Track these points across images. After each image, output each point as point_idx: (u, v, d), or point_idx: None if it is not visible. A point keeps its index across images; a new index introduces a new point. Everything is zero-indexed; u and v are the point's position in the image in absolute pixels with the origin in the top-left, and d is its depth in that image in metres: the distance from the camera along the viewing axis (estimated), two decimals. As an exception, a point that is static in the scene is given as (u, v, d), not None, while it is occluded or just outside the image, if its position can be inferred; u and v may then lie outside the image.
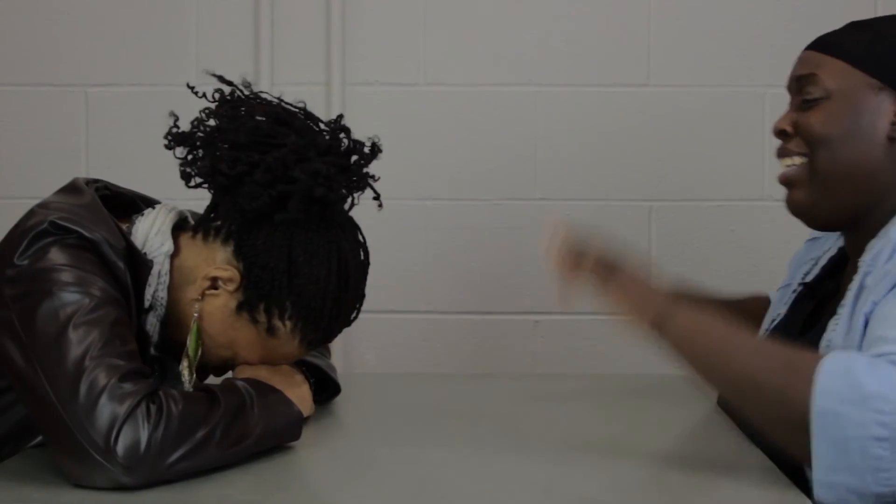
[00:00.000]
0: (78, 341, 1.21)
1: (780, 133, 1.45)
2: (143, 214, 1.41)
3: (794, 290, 1.56)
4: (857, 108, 1.38)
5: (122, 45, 2.28)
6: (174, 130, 1.40)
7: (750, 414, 1.27)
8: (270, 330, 1.38)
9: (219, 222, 1.39)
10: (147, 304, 1.37)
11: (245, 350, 1.41)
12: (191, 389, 1.37)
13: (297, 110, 1.41)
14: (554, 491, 1.23)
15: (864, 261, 1.34)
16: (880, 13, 1.52)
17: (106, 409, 1.18)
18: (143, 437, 1.18)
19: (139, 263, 1.35)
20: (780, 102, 1.50)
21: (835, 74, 1.40)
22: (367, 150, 1.41)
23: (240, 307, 1.37)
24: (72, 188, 1.39)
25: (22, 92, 2.29)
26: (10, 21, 2.29)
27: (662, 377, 1.88)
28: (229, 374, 1.45)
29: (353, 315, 1.44)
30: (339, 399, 1.62)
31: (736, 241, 2.27)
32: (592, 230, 1.45)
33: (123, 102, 2.28)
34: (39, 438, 1.33)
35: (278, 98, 1.42)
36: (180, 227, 1.42)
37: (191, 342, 1.38)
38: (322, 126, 1.41)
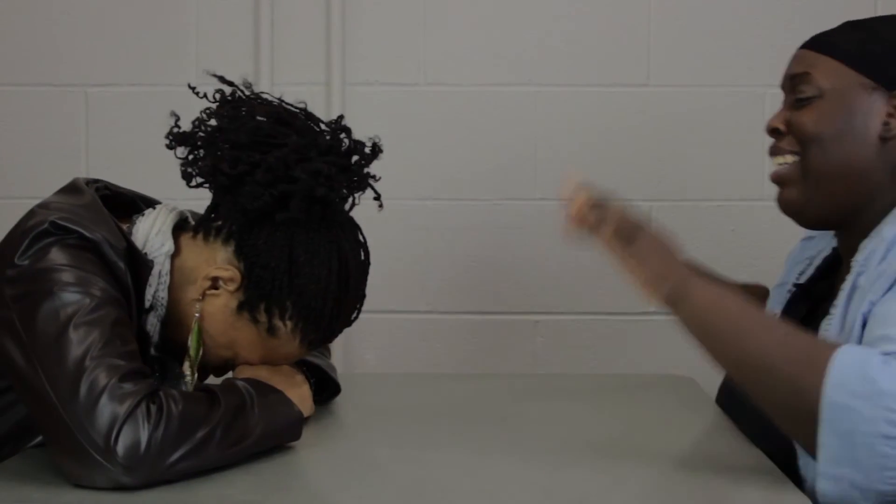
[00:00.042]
0: (78, 341, 1.21)
1: (772, 131, 1.45)
2: (143, 215, 1.41)
3: (789, 291, 1.56)
4: (850, 108, 1.38)
5: (122, 45, 2.28)
6: (175, 130, 1.40)
7: (759, 398, 1.25)
8: (271, 330, 1.38)
9: (219, 222, 1.39)
10: (148, 304, 1.37)
11: (246, 350, 1.41)
12: (191, 389, 1.37)
13: (297, 111, 1.41)
14: (554, 491, 1.23)
15: (857, 261, 1.35)
16: (880, 13, 1.52)
17: (106, 409, 1.18)
18: (144, 437, 1.18)
19: (140, 263, 1.35)
20: (779, 102, 1.50)
21: (828, 73, 1.40)
22: (367, 150, 1.41)
23: (240, 307, 1.37)
24: (72, 188, 1.39)
25: (22, 92, 2.29)
26: (10, 21, 2.29)
27: (662, 377, 1.89)
28: (229, 375, 1.45)
29: (354, 315, 1.44)
30: (339, 399, 1.62)
31: (736, 241, 2.27)
32: (612, 193, 1.41)
33: (123, 102, 2.28)
34: (39, 438, 1.33)
35: (279, 98, 1.42)
36: (181, 227, 1.42)
37: (192, 342, 1.38)
38: (323, 126, 1.41)
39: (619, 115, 2.28)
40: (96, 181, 1.43)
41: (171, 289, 1.38)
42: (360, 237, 1.44)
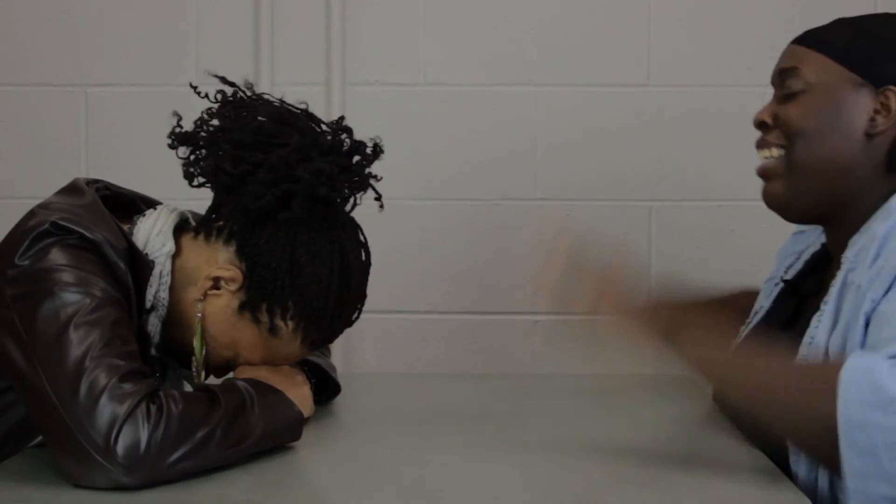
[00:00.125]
0: (78, 341, 1.21)
1: (759, 124, 1.46)
2: (144, 215, 1.41)
3: (776, 284, 1.56)
4: (836, 103, 1.39)
5: (122, 45, 2.28)
6: (177, 130, 1.40)
7: (778, 432, 1.25)
8: (272, 330, 1.38)
9: (221, 222, 1.39)
10: (149, 304, 1.37)
11: (247, 350, 1.41)
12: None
13: (299, 111, 1.41)
14: (554, 491, 1.23)
15: (847, 257, 1.35)
16: (880, 12, 1.52)
17: (106, 410, 1.18)
18: (143, 437, 1.18)
19: (140, 264, 1.35)
20: (779, 102, 1.50)
21: (816, 68, 1.40)
22: (369, 150, 1.41)
23: (242, 307, 1.37)
24: (72, 188, 1.39)
25: (22, 92, 2.29)
26: (10, 21, 2.29)
27: (661, 377, 1.88)
28: (230, 375, 1.45)
29: (355, 315, 1.45)
30: (339, 399, 1.62)
31: (736, 241, 2.27)
32: (591, 235, 1.42)
33: (123, 102, 2.28)
34: (39, 438, 1.33)
35: (280, 99, 1.43)
36: (181, 227, 1.43)
37: (196, 344, 1.38)
38: (324, 127, 1.41)
39: (619, 115, 2.27)
40: (97, 181, 1.43)
41: (172, 289, 1.38)
42: (361, 237, 1.44)
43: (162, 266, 1.38)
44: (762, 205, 1.48)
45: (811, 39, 1.43)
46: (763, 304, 1.57)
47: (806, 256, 1.55)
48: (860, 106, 1.38)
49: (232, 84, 1.42)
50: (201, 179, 1.40)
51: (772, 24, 2.24)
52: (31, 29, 2.28)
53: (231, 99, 1.41)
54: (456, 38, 2.28)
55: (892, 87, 1.37)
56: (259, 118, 1.38)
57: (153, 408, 1.19)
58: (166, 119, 1.41)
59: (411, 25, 2.28)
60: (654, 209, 2.28)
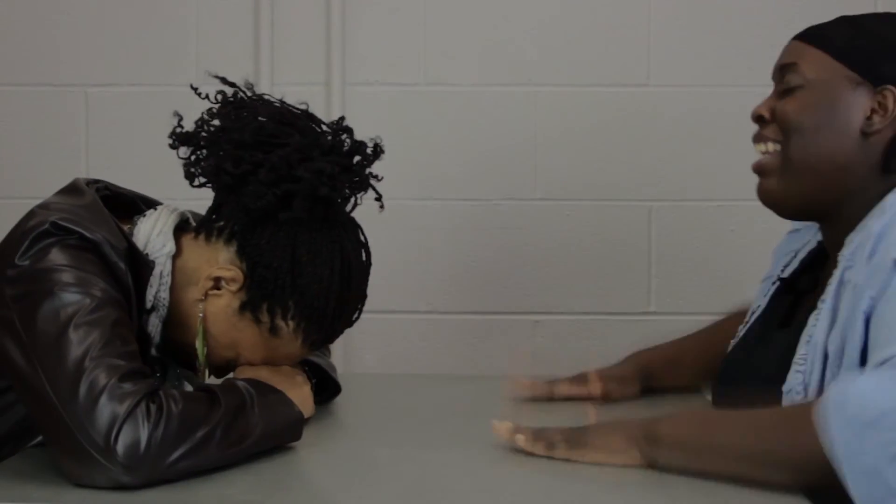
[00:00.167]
0: (78, 341, 1.21)
1: (757, 118, 1.46)
2: (144, 215, 1.41)
3: (773, 283, 1.56)
4: (833, 100, 1.39)
5: (122, 45, 2.28)
6: (178, 130, 1.40)
7: (776, 481, 1.20)
8: (273, 330, 1.38)
9: (222, 223, 1.39)
10: (149, 304, 1.37)
11: (248, 350, 1.41)
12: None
13: (299, 111, 1.41)
14: (554, 491, 1.23)
15: (844, 255, 1.34)
16: (880, 11, 1.52)
17: (106, 409, 1.18)
18: (143, 436, 1.18)
19: (141, 264, 1.35)
20: (779, 102, 1.50)
21: (815, 65, 1.41)
22: (369, 150, 1.41)
23: (243, 307, 1.37)
24: (72, 189, 1.39)
25: (22, 92, 2.30)
26: (10, 21, 2.29)
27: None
28: (230, 375, 1.45)
29: (356, 315, 1.45)
30: (339, 399, 1.62)
31: (736, 241, 2.27)
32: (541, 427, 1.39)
33: (123, 102, 2.28)
34: (40, 438, 1.33)
35: (280, 100, 1.43)
36: (182, 228, 1.43)
37: (199, 345, 1.39)
38: (325, 127, 1.42)
39: (619, 115, 2.28)
40: (97, 181, 1.43)
41: (172, 289, 1.38)
42: (362, 237, 1.44)
43: (162, 266, 1.38)
44: (762, 205, 1.48)
45: (812, 36, 1.43)
46: (759, 302, 1.57)
47: (802, 255, 1.55)
48: (857, 104, 1.38)
49: (232, 84, 1.42)
50: (202, 179, 1.40)
51: (772, 24, 2.24)
52: (31, 29, 2.28)
53: (232, 99, 1.41)
54: (456, 39, 2.28)
55: (890, 87, 1.37)
56: (260, 118, 1.38)
57: (153, 407, 1.19)
58: (166, 119, 1.41)
59: (411, 25, 2.28)
60: (654, 209, 2.28)
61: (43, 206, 1.33)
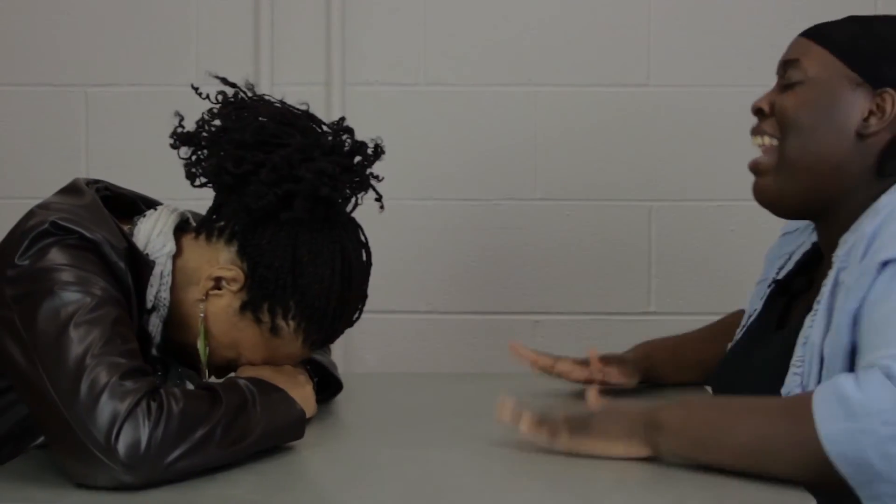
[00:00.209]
0: (79, 340, 1.21)
1: (757, 111, 1.47)
2: (144, 215, 1.41)
3: (769, 286, 1.56)
4: (832, 98, 1.39)
5: (122, 45, 2.28)
6: (179, 130, 1.40)
7: (774, 472, 1.21)
8: (274, 330, 1.38)
9: (222, 223, 1.39)
10: (149, 304, 1.37)
11: (249, 350, 1.41)
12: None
13: (300, 112, 1.41)
14: (555, 491, 1.23)
15: (838, 256, 1.34)
16: (880, 13, 1.52)
17: (107, 407, 1.18)
18: (144, 435, 1.17)
19: (141, 264, 1.35)
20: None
21: (817, 62, 1.41)
22: (370, 150, 1.41)
23: (243, 307, 1.37)
24: (72, 189, 1.39)
25: (22, 92, 2.29)
26: (10, 21, 2.29)
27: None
28: (231, 375, 1.45)
29: (356, 315, 1.45)
30: (339, 399, 1.62)
31: (736, 241, 2.27)
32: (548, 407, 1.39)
33: (123, 102, 2.28)
34: (41, 438, 1.33)
35: (281, 100, 1.43)
36: (182, 228, 1.43)
37: (201, 346, 1.39)
38: (325, 127, 1.42)
39: (619, 115, 2.28)
40: (97, 181, 1.43)
41: (173, 289, 1.38)
42: (362, 237, 1.44)
43: (163, 266, 1.38)
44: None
45: (817, 33, 1.44)
46: (755, 306, 1.57)
47: (797, 257, 1.55)
48: (855, 105, 1.38)
49: (233, 85, 1.42)
50: (203, 179, 1.40)
51: (772, 24, 2.24)
52: (31, 29, 2.28)
53: (232, 99, 1.41)
54: (456, 39, 2.28)
55: (889, 90, 1.37)
56: (261, 119, 1.38)
57: (154, 405, 1.19)
58: (166, 119, 1.41)
59: (411, 25, 2.28)
60: (654, 209, 2.28)
61: (43, 206, 1.33)
